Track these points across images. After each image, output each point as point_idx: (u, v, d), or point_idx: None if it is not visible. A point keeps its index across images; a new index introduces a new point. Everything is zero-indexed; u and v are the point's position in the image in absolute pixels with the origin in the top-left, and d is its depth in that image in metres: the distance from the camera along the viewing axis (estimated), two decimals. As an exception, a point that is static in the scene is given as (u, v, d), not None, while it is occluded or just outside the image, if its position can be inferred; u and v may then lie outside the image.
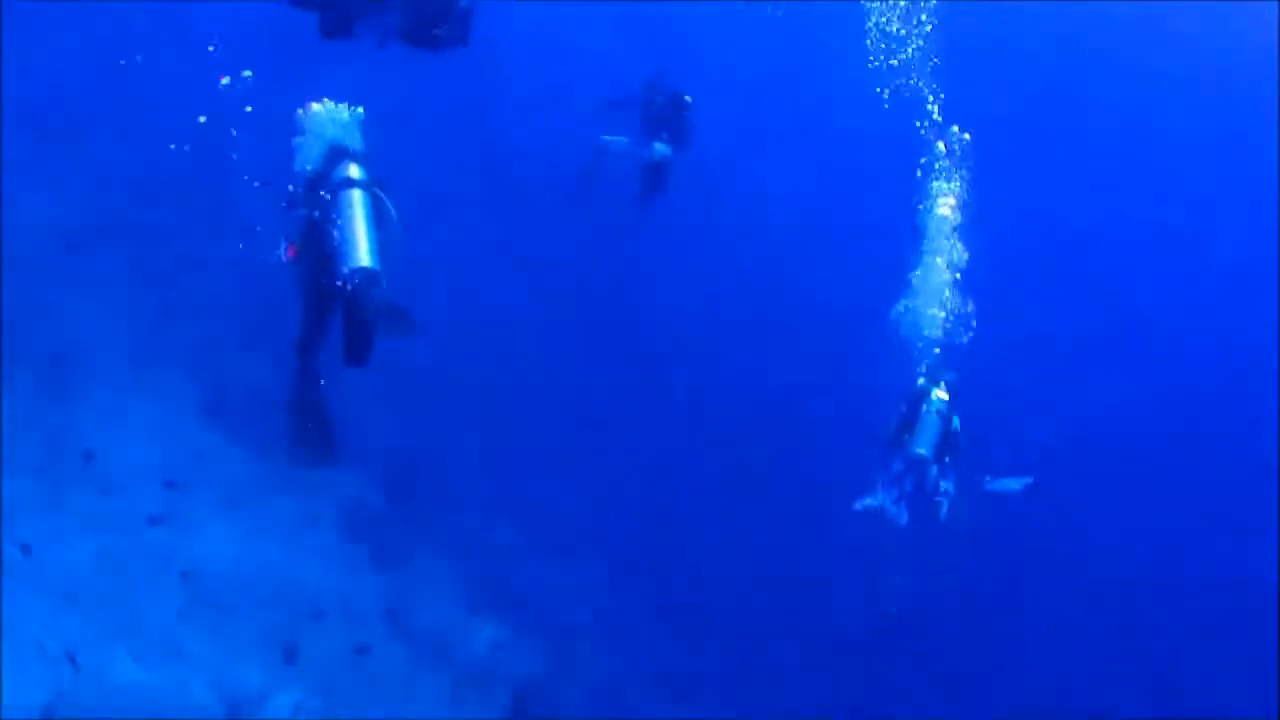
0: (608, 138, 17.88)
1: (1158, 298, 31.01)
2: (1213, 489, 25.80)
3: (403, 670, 15.80)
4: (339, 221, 9.95)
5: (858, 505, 13.66)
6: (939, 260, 16.95)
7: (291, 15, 11.34)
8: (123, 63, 17.19)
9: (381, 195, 10.30)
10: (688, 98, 16.81)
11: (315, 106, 10.88)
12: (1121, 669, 21.12)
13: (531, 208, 24.99)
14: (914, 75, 18.54)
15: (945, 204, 16.93)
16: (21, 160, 19.46)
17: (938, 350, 15.50)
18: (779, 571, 21.59)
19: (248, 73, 11.00)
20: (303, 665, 14.93)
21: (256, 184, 11.30)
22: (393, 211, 10.31)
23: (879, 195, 22.10)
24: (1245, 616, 21.62)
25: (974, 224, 16.84)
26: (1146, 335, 30.08)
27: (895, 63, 18.48)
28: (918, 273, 17.10)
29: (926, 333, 16.37)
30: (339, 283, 10.00)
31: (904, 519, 13.45)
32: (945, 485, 13.25)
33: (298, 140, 11.00)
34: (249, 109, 11.26)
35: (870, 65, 17.96)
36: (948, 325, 16.51)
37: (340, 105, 10.99)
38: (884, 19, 18.20)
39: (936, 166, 17.52)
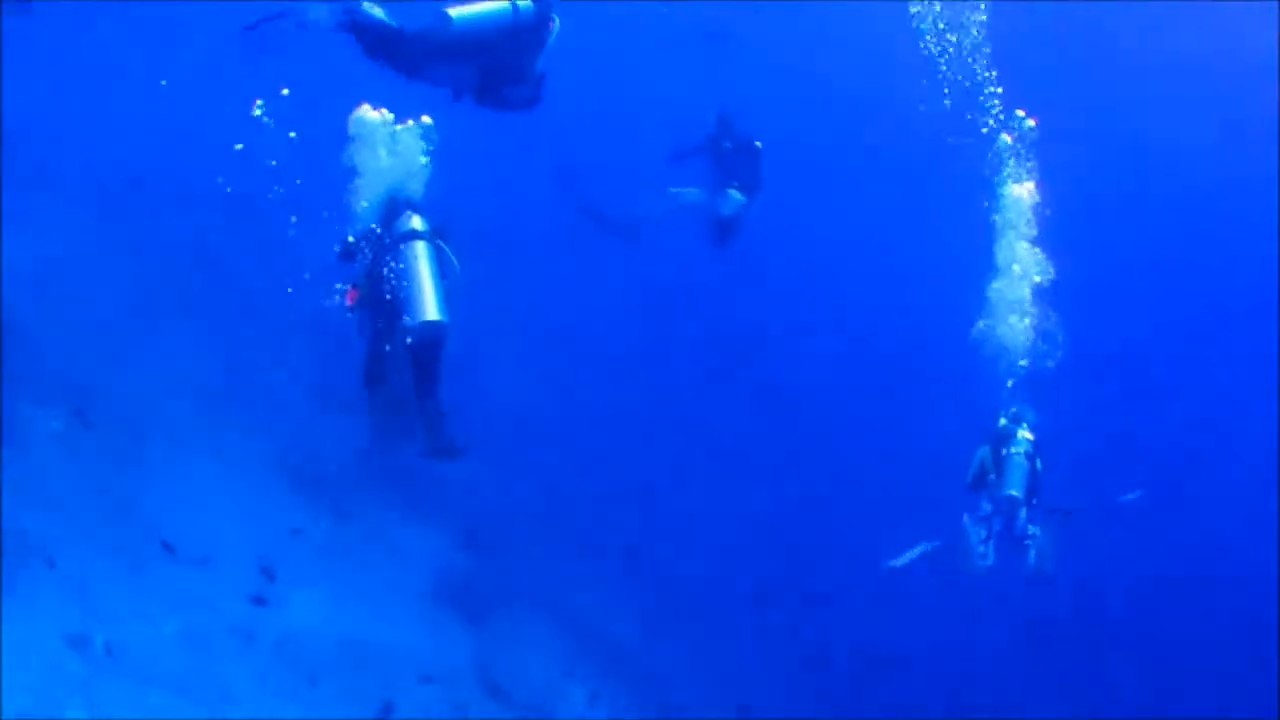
0: (676, 190, 17.22)
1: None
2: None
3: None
4: (404, 274, 10.10)
5: (892, 562, 13.00)
6: (1016, 268, 16.13)
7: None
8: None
9: (444, 246, 10.40)
10: (758, 144, 16.17)
11: (369, 113, 10.50)
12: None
13: (598, 257, 24.44)
14: (968, 68, 17.68)
15: (1020, 189, 16.04)
16: (73, 224, 18.99)
17: (1010, 383, 14.76)
18: (874, 629, 20.79)
19: (285, 91, 10.52)
20: (399, 733, 14.20)
21: (321, 215, 10.83)
22: (455, 262, 10.46)
23: (945, 203, 21.37)
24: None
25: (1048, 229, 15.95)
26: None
27: (944, 62, 17.62)
28: (996, 285, 16.29)
29: (1011, 354, 15.59)
30: (406, 336, 10.20)
31: (990, 559, 12.80)
32: (1033, 529, 12.57)
33: (356, 185, 10.70)
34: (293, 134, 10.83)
35: (923, 50, 17.10)
36: (1033, 345, 15.68)
37: (397, 122, 10.62)
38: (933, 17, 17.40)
39: (1005, 161, 16.72)
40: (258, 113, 10.86)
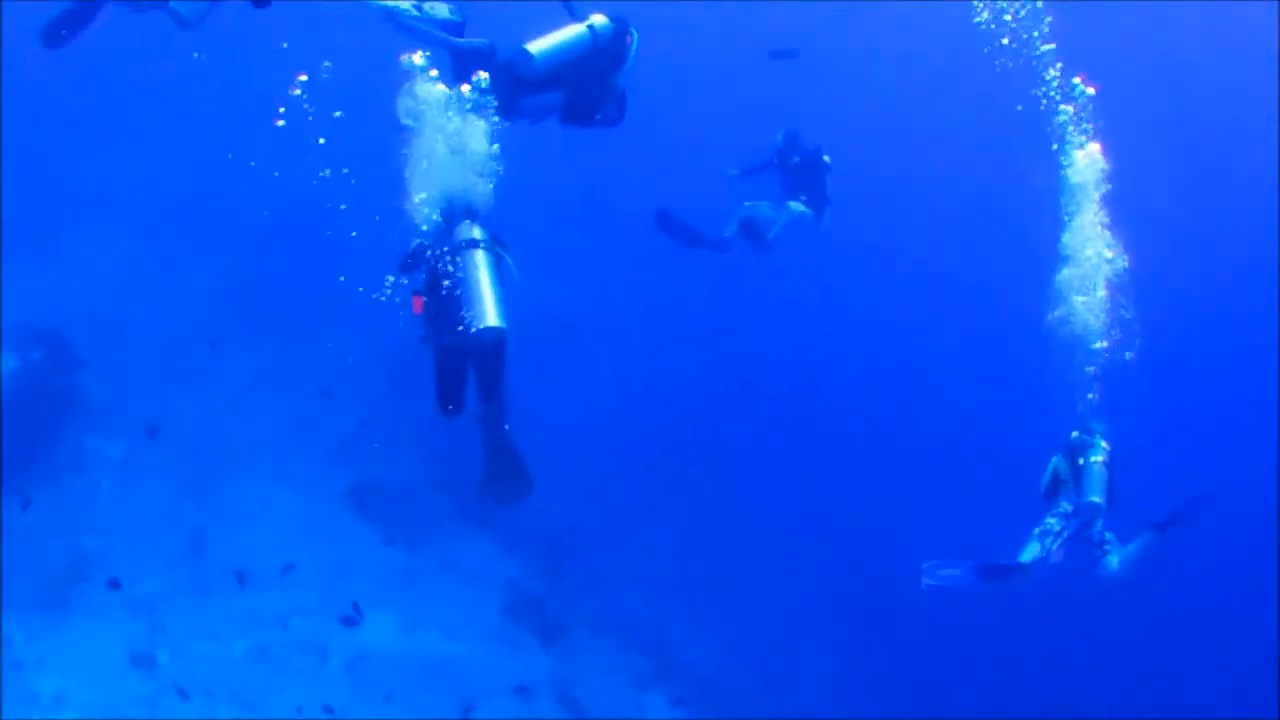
0: (750, 204, 16.83)
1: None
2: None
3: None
4: (463, 282, 9.57)
5: (930, 579, 12.48)
6: (1089, 252, 15.48)
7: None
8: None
9: (503, 253, 9.89)
10: (826, 158, 15.76)
11: (426, 87, 10.29)
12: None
13: (664, 267, 24.10)
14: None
15: (1085, 154, 15.38)
16: (132, 252, 19.18)
17: (1092, 396, 14.17)
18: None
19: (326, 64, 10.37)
20: (476, 753, 13.93)
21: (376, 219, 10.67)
22: (514, 269, 9.87)
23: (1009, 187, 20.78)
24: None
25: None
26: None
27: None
28: (1065, 273, 15.65)
29: (1086, 341, 14.97)
30: (468, 341, 9.51)
31: (1059, 558, 12.31)
32: (1109, 535, 12.10)
33: (418, 198, 10.52)
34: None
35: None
36: (1110, 334, 15.06)
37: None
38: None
39: (1069, 132, 16.11)
40: (297, 91, 10.67)
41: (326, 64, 10.50)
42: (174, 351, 17.52)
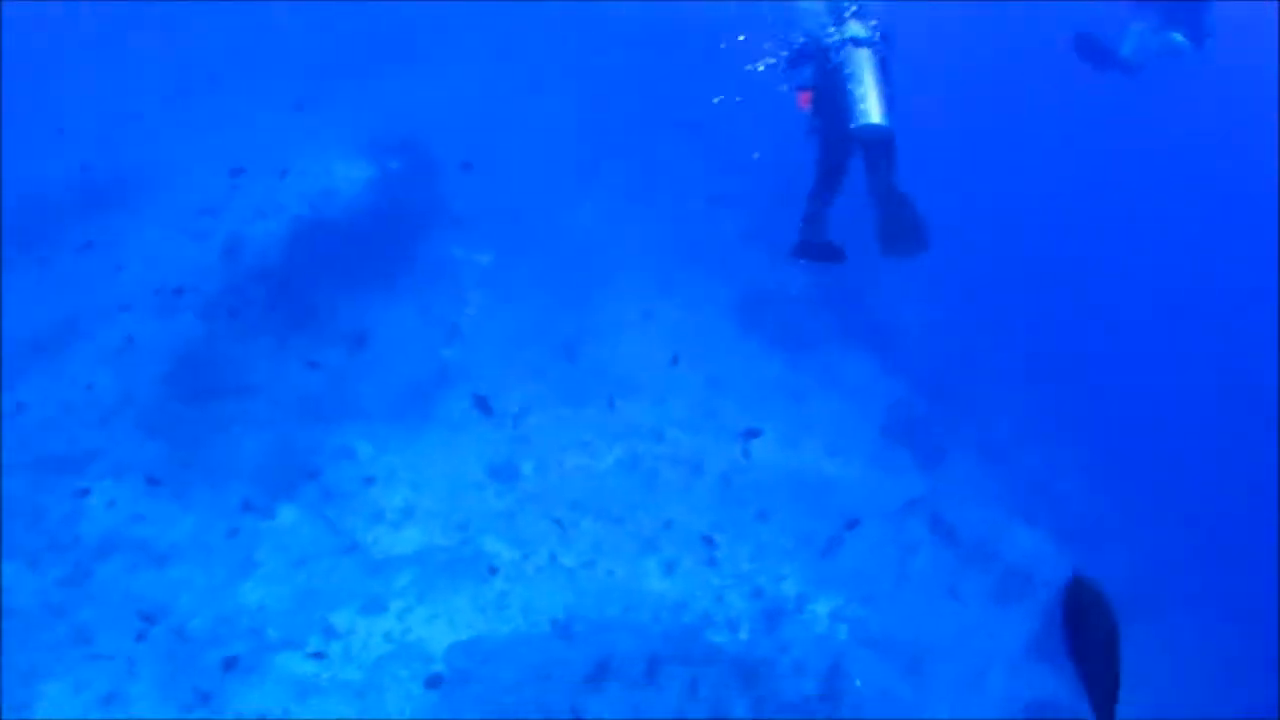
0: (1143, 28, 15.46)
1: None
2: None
3: (945, 573, 13.75)
4: (848, 78, 9.70)
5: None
6: None
7: None
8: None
9: (887, 52, 9.90)
10: None
11: None
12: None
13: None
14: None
15: None
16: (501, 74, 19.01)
17: None
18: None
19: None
20: (843, 568, 13.15)
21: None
22: (896, 67, 9.85)
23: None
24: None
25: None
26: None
27: None
28: None
29: None
30: (855, 136, 9.73)
31: None
32: None
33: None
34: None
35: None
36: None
37: None
38: None
39: None
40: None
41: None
42: (545, 163, 17.18)
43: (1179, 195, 24.40)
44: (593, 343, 14.94)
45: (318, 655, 10.67)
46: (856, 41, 9.70)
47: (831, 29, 10.19)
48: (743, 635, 12.04)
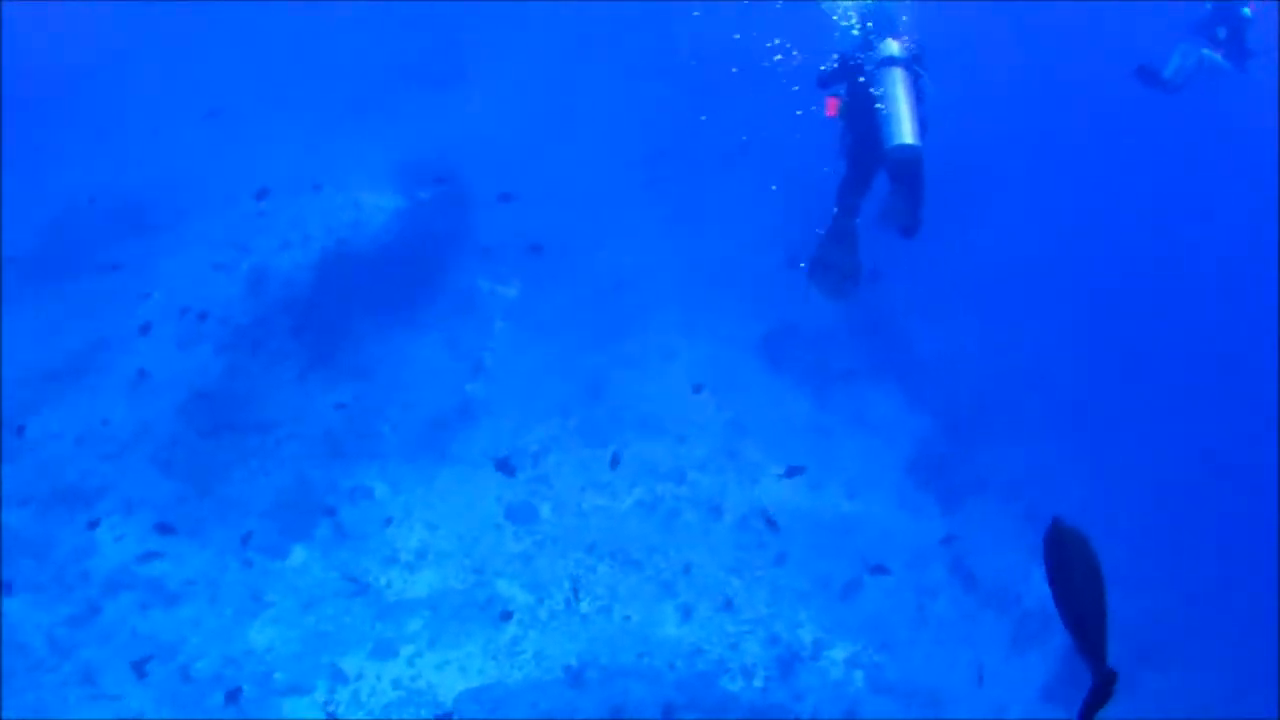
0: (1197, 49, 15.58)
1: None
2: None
3: (964, 619, 13.50)
4: (882, 98, 9.80)
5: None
6: None
7: None
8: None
9: (921, 72, 10.01)
10: (1247, 10, 14.65)
11: None
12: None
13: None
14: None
15: None
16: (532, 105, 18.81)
17: None
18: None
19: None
20: (861, 613, 12.93)
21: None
22: (930, 88, 10.00)
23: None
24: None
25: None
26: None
27: None
28: None
29: None
30: (884, 155, 9.87)
31: None
32: None
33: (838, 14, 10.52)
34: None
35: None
36: None
37: None
38: None
39: None
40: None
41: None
42: (574, 194, 17.02)
43: (1215, 230, 24.14)
44: (616, 381, 14.77)
45: (325, 705, 10.51)
46: (892, 61, 9.76)
47: (865, 45, 10.18)
48: (758, 683, 11.87)
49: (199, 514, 11.82)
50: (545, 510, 12.92)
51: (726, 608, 12.47)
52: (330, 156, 16.83)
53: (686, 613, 12.30)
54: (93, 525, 11.46)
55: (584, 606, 12.02)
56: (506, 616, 11.65)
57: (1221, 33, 14.85)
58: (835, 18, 10.51)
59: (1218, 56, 14.70)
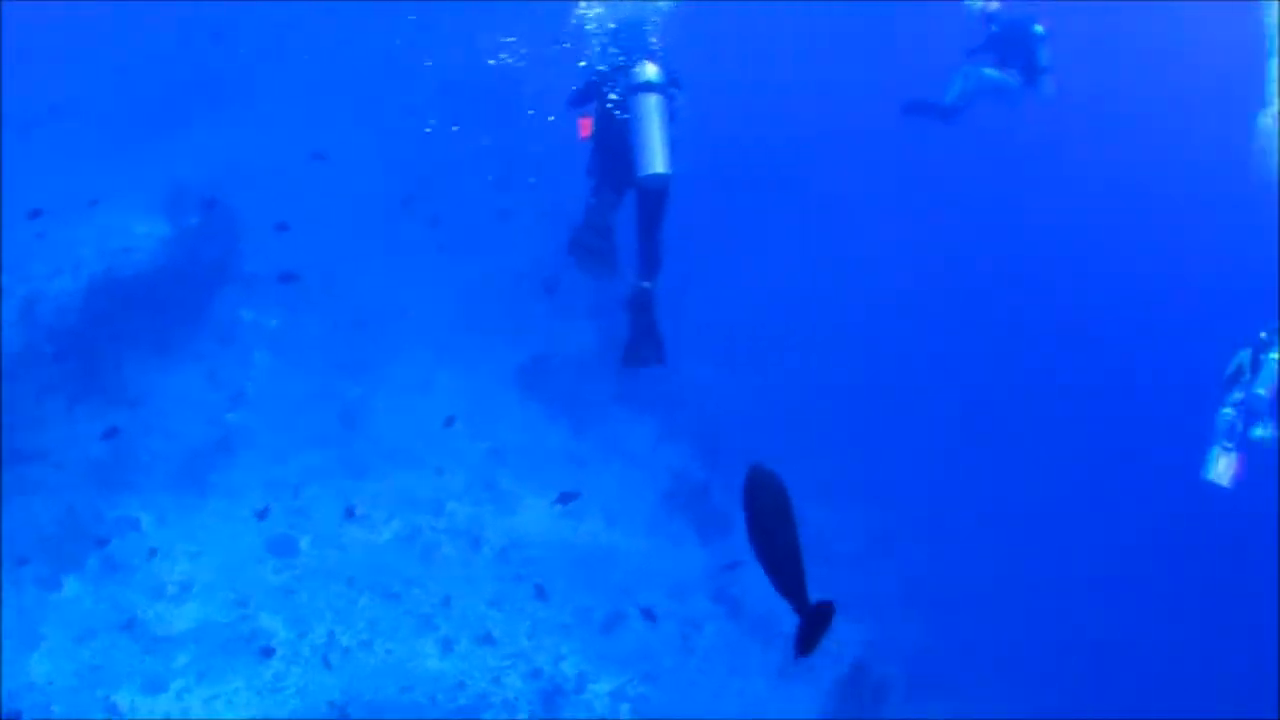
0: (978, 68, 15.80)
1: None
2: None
3: (729, 649, 13.90)
4: (634, 125, 9.60)
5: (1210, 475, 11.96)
6: None
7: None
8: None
9: (676, 94, 9.84)
10: (1038, 27, 14.52)
11: None
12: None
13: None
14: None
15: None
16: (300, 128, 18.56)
17: None
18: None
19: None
20: (624, 645, 13.16)
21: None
22: (683, 110, 9.91)
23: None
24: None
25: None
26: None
27: None
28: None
29: None
30: (634, 183, 9.75)
31: (1235, 464, 11.84)
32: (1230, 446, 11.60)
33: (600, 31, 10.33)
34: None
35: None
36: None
37: None
38: None
39: None
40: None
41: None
42: (337, 221, 16.88)
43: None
44: (374, 411, 14.81)
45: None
46: (647, 85, 9.65)
47: (619, 65, 10.15)
48: (521, 716, 11.99)
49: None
50: (305, 543, 12.88)
51: (487, 641, 12.60)
52: (105, 177, 16.24)
53: (447, 646, 12.39)
54: None
55: (345, 640, 11.92)
56: (270, 652, 11.51)
57: (993, 28, 14.91)
58: (590, 25, 10.44)
59: (1002, 75, 14.81)
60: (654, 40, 10.28)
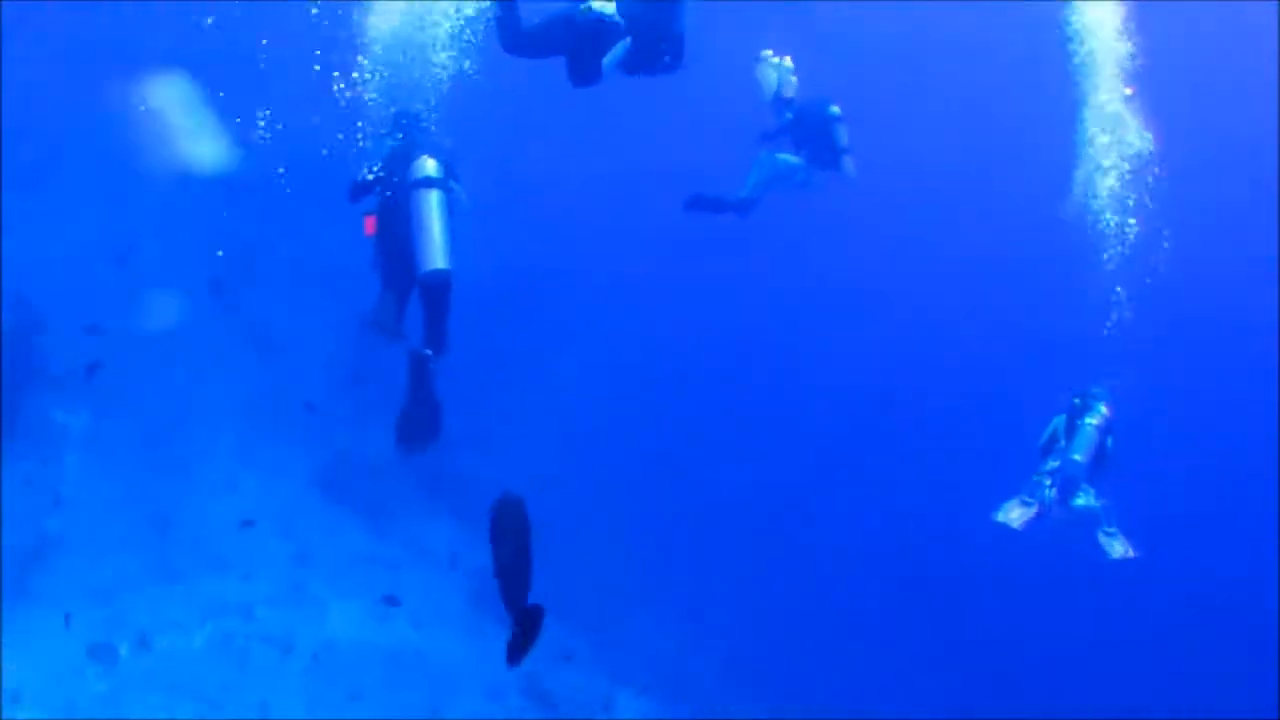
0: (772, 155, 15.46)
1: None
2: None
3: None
4: (414, 222, 9.53)
5: (999, 516, 12.60)
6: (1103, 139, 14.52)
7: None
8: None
9: (456, 188, 9.85)
10: (834, 108, 13.86)
11: None
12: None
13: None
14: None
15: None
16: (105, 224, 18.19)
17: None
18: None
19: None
20: (443, 747, 13.37)
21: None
22: (465, 202, 9.89)
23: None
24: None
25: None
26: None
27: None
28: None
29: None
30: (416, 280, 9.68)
31: (1032, 514, 12.40)
32: (1089, 501, 12.16)
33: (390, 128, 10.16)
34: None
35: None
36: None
37: None
38: None
39: None
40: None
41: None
42: (143, 315, 16.63)
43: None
44: (183, 513, 14.63)
45: None
46: (428, 182, 9.64)
47: (399, 158, 10.24)
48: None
49: None
50: (124, 649, 12.65)
51: (303, 747, 12.57)
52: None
53: (267, 754, 12.30)
54: None
55: (169, 749, 11.79)
56: (98, 763, 11.31)
57: (788, 115, 14.56)
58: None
59: (799, 161, 14.19)
60: (433, 129, 10.30)
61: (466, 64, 10.30)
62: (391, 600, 14.62)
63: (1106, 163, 13.69)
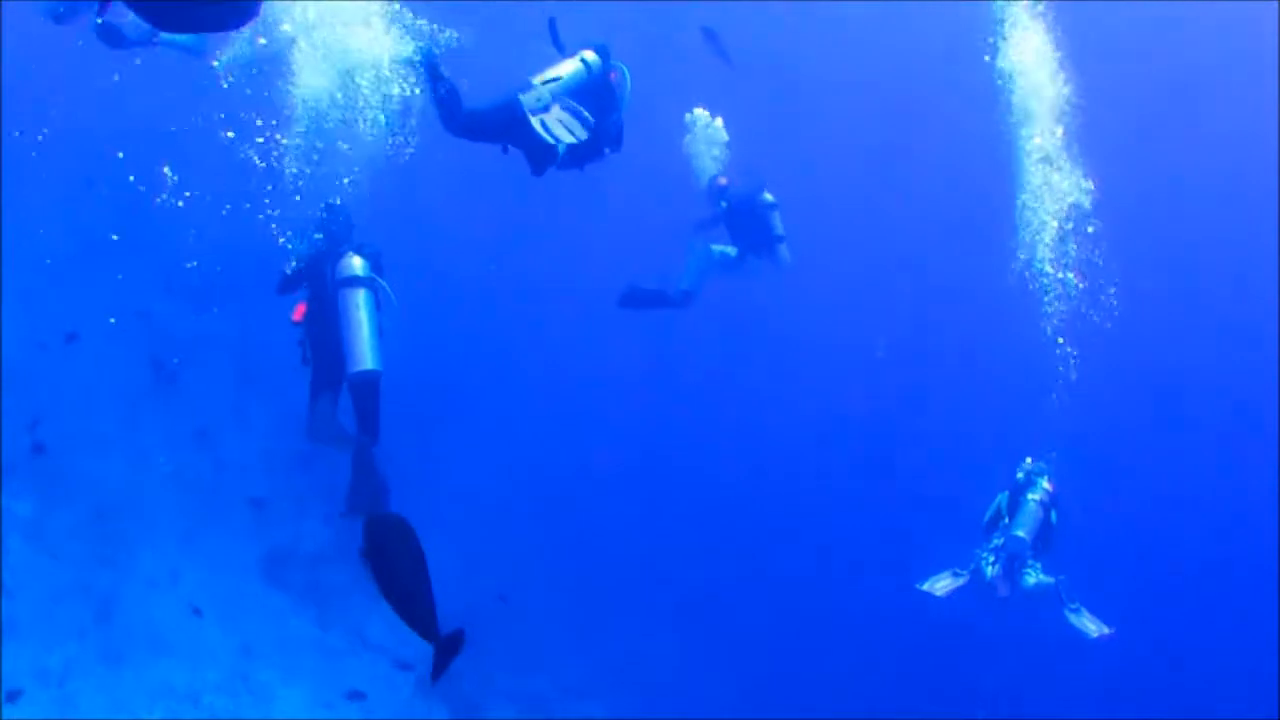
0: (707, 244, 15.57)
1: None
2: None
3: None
4: (341, 321, 9.80)
5: (924, 585, 12.85)
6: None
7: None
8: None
9: (382, 284, 10.06)
10: (767, 195, 14.14)
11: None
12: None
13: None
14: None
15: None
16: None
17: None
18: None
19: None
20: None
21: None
22: (393, 298, 10.13)
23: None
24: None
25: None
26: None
27: None
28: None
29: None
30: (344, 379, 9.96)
31: (960, 584, 12.67)
32: (1037, 578, 12.37)
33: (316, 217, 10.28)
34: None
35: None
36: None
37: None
38: None
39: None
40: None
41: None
42: (86, 404, 16.55)
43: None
44: (127, 600, 14.47)
45: None
46: (355, 281, 9.78)
47: (326, 253, 10.20)
48: None
49: None
50: (73, 736, 12.43)
51: None
52: None
53: None
54: None
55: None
56: None
57: (722, 204, 14.02)
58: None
59: (734, 250, 14.28)
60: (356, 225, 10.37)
61: (390, 141, 10.16)
62: (357, 694, 14.58)
63: (1046, 216, 14.00)
